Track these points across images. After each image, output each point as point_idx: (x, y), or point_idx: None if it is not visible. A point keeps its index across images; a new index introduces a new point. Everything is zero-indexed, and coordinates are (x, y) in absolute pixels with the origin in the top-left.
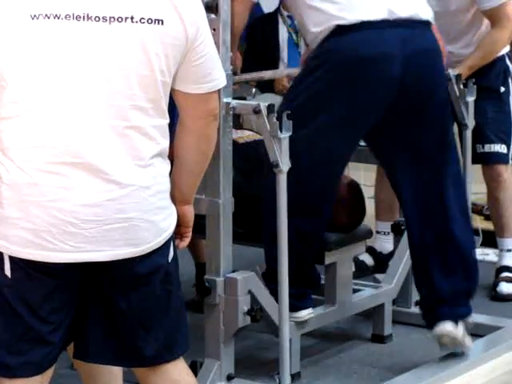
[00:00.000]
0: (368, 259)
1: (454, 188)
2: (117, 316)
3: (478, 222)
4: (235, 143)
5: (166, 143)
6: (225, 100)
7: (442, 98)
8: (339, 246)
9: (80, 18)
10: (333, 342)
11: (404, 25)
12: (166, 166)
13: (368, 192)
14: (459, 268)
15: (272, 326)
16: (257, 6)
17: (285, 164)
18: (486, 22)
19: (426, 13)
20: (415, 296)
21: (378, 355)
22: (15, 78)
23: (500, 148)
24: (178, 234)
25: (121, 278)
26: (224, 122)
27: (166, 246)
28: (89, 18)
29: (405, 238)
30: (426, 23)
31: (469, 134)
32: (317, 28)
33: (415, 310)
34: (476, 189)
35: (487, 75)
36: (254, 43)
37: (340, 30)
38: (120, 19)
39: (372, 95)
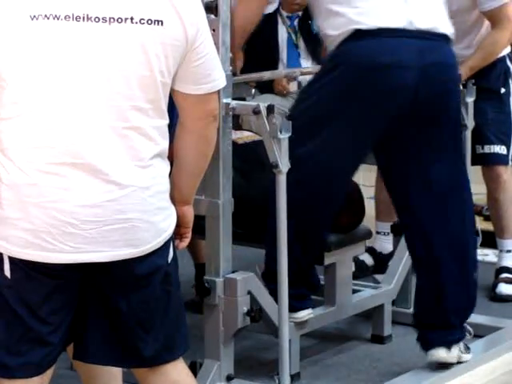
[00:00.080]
0: (368, 259)
1: (466, 211)
2: (116, 317)
3: (478, 223)
4: (234, 144)
5: (165, 144)
6: (224, 101)
7: (454, 113)
8: (339, 246)
9: (80, 18)
10: (332, 343)
11: (422, 36)
12: (166, 166)
13: (368, 192)
14: (463, 289)
15: (271, 327)
16: None
17: (284, 164)
18: (486, 23)
19: (445, 27)
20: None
21: (377, 356)
22: (15, 78)
23: (500, 149)
24: (177, 234)
25: (120, 278)
26: (224, 123)
27: (165, 246)
28: (88, 18)
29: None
30: (445, 37)
31: (468, 134)
32: (335, 31)
33: None
34: (476, 189)
35: (488, 76)
36: (254, 44)
37: (358, 35)
38: (120, 20)
39: (384, 102)
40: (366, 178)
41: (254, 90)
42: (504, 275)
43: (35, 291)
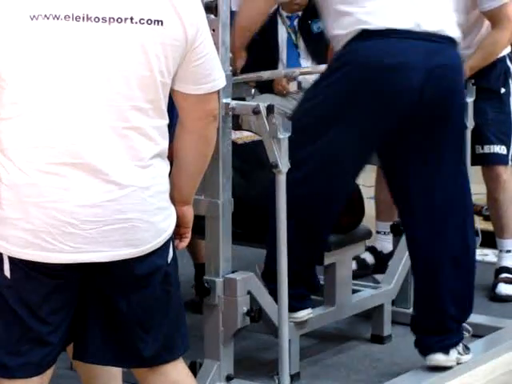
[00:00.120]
0: (369, 258)
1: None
2: (116, 317)
3: (478, 223)
4: (234, 144)
5: (165, 144)
6: (224, 101)
7: (458, 115)
8: (338, 246)
9: (79, 18)
10: (332, 343)
11: (428, 39)
12: (166, 166)
13: (367, 192)
14: (460, 293)
15: (271, 327)
16: None
17: (284, 164)
18: (486, 23)
19: (452, 30)
20: None
21: (377, 356)
22: (15, 78)
23: (499, 149)
24: (177, 234)
25: (120, 278)
26: (223, 123)
27: (165, 246)
28: (88, 18)
29: (404, 239)
30: (452, 40)
31: (468, 134)
32: (342, 31)
33: None
34: (475, 189)
35: (488, 76)
36: (253, 44)
37: (365, 35)
38: (119, 20)
39: (390, 103)
40: (366, 178)
41: (253, 90)
42: (504, 275)
43: (35, 291)
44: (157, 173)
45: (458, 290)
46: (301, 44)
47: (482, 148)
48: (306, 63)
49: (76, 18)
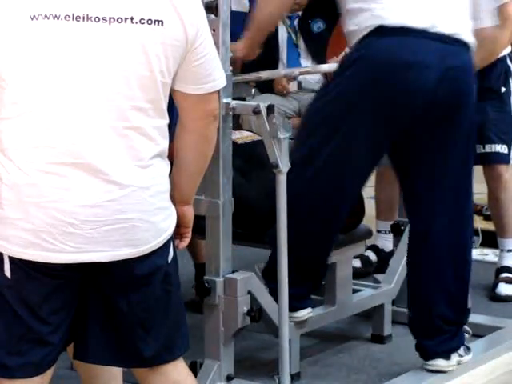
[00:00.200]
0: (372, 256)
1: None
2: (116, 316)
3: (478, 223)
4: (234, 144)
5: (165, 144)
6: (224, 100)
7: (468, 117)
8: (339, 246)
9: (80, 18)
10: (332, 343)
11: (443, 40)
12: (166, 166)
13: (368, 192)
14: (457, 296)
15: (272, 327)
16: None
17: (284, 164)
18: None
19: (467, 36)
20: None
21: (377, 355)
22: (15, 78)
23: (501, 148)
24: (177, 234)
25: (120, 278)
26: (224, 123)
27: (165, 246)
28: (88, 18)
29: (404, 238)
30: (465, 44)
31: None
32: (357, 26)
33: None
34: (476, 189)
35: (488, 76)
36: None
37: (381, 31)
38: (120, 20)
39: (402, 101)
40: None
41: (253, 90)
42: (504, 275)
43: (35, 291)
44: (157, 173)
45: (454, 291)
46: (301, 44)
47: (484, 147)
48: (306, 63)
49: (76, 18)
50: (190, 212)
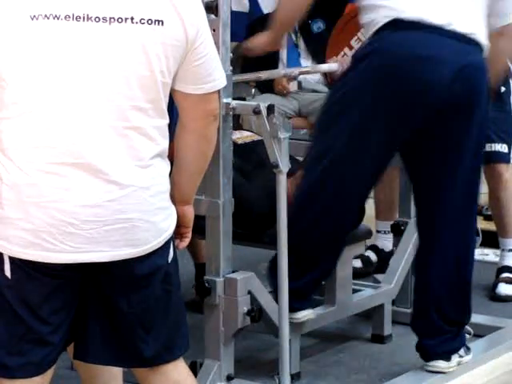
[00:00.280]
0: (372, 256)
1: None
2: (117, 316)
3: (478, 222)
4: (234, 144)
5: (165, 144)
6: (225, 100)
7: (481, 116)
8: None
9: (80, 18)
10: (332, 343)
11: (458, 38)
12: (166, 166)
13: None
14: (459, 297)
15: (272, 327)
16: (256, 7)
17: (284, 164)
18: None
19: (482, 38)
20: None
21: (377, 355)
22: (15, 78)
23: (501, 147)
24: (177, 234)
25: (121, 278)
26: (224, 123)
27: (165, 246)
28: (89, 18)
29: (404, 238)
30: (479, 45)
31: None
32: (373, 19)
33: None
34: None
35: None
36: None
37: (396, 24)
38: (120, 20)
39: (415, 95)
40: None
41: (254, 90)
42: (505, 275)
43: (36, 291)
44: (157, 173)
45: (458, 291)
46: (301, 44)
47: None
48: (306, 63)
49: (76, 18)
50: (190, 212)
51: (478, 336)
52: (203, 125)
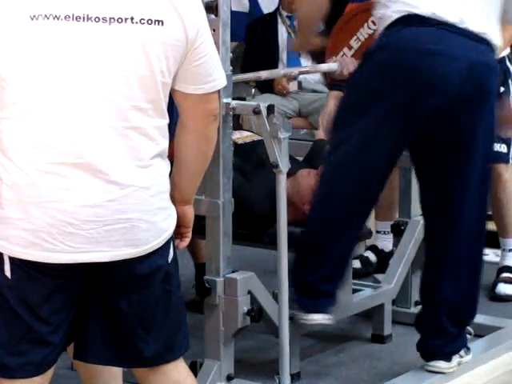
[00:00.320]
0: (372, 256)
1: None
2: (117, 316)
3: None
4: (234, 144)
5: (165, 144)
6: (225, 100)
7: (490, 116)
8: None
9: (80, 18)
10: (332, 342)
11: (470, 37)
12: (166, 166)
13: None
14: (472, 301)
15: (272, 327)
16: (256, 7)
17: (284, 164)
18: None
19: (495, 38)
20: (415, 296)
21: (377, 355)
22: (15, 78)
23: (500, 147)
24: (177, 234)
25: (121, 278)
26: (224, 123)
27: (165, 246)
28: (88, 18)
29: (405, 238)
30: (491, 46)
31: None
32: (386, 13)
33: (415, 310)
34: None
35: None
36: (254, 43)
37: (408, 19)
38: (120, 20)
39: (425, 91)
40: None
41: (253, 90)
42: (505, 275)
43: (36, 291)
44: (157, 173)
45: (469, 294)
46: None
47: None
48: (306, 63)
49: (76, 18)
50: (190, 212)
51: (477, 336)
52: (203, 125)
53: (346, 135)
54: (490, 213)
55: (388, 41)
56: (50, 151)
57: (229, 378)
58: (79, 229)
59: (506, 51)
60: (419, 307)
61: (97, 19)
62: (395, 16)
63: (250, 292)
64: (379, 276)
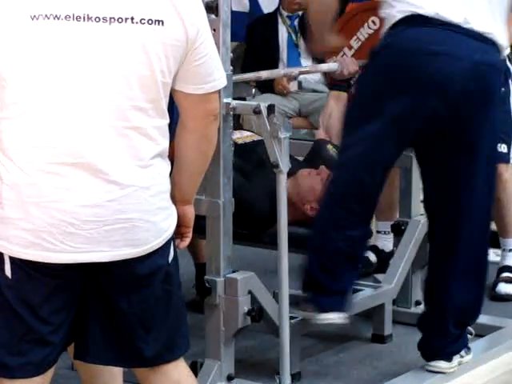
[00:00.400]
0: (372, 256)
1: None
2: (117, 316)
3: None
4: (234, 144)
5: (166, 143)
6: (225, 100)
7: (496, 116)
8: None
9: (80, 18)
10: (333, 342)
11: (475, 37)
12: (166, 166)
13: None
14: (477, 302)
15: (272, 326)
16: (256, 7)
17: (285, 164)
18: None
19: (502, 38)
20: (415, 296)
21: (378, 355)
22: (15, 78)
23: (500, 147)
24: (178, 234)
25: (121, 278)
26: (224, 123)
27: (166, 246)
28: (89, 18)
29: (405, 238)
30: (496, 45)
31: None
32: (391, 12)
33: (415, 309)
34: None
35: None
36: (254, 43)
37: (412, 19)
38: (120, 20)
39: (428, 90)
40: None
41: (254, 90)
42: (505, 274)
43: (36, 291)
44: (157, 172)
45: (476, 296)
46: (301, 44)
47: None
48: (306, 63)
49: (77, 18)
50: (190, 212)
51: (478, 336)
52: (204, 125)
53: (355, 136)
54: None
55: (392, 41)
56: (50, 151)
57: (229, 377)
58: (79, 229)
59: (507, 51)
60: (420, 307)
61: (97, 19)
62: (399, 16)
63: (250, 292)
64: (379, 276)
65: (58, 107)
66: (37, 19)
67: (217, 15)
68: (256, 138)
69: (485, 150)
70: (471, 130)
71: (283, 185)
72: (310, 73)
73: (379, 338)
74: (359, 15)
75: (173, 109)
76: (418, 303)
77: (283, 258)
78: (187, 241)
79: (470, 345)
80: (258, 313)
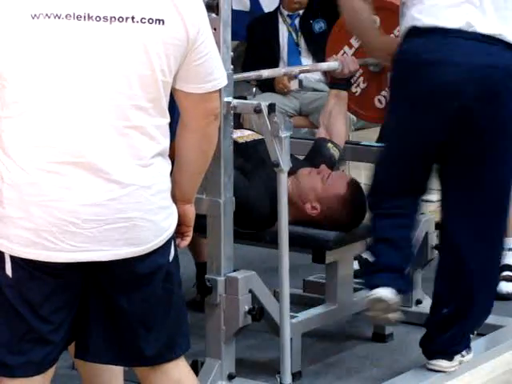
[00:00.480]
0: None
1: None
2: (118, 315)
3: None
4: (235, 143)
5: (166, 143)
6: (226, 99)
7: (505, 120)
8: (340, 245)
9: (81, 17)
10: (334, 341)
11: (479, 39)
12: (167, 165)
13: None
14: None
15: (273, 325)
16: (257, 6)
17: (285, 163)
18: None
19: (510, 36)
20: (416, 295)
21: (378, 354)
22: (16, 77)
23: None
24: (178, 233)
25: (121, 277)
26: (225, 122)
27: (166, 245)
28: (89, 17)
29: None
30: (507, 44)
31: None
32: (402, 24)
33: (416, 308)
34: None
35: None
36: (255, 42)
37: (414, 32)
38: (121, 19)
39: (431, 102)
40: (367, 176)
41: (254, 89)
42: (505, 273)
43: (37, 290)
44: (158, 172)
45: (491, 299)
46: (302, 43)
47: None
48: (307, 62)
49: (77, 17)
50: (191, 211)
51: (478, 335)
52: (204, 124)
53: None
54: None
55: (397, 56)
56: (50, 150)
57: (230, 376)
58: (80, 228)
59: None
60: (420, 306)
61: (98, 18)
62: (404, 29)
63: (251, 291)
64: None
65: (58, 106)
66: (37, 18)
67: (217, 14)
68: (257, 136)
69: (497, 151)
70: (479, 131)
71: (284, 184)
72: (311, 71)
73: (380, 337)
74: None
75: (173, 108)
76: (418, 302)
77: (284, 256)
78: (188, 240)
79: (471, 343)
80: (258, 312)
